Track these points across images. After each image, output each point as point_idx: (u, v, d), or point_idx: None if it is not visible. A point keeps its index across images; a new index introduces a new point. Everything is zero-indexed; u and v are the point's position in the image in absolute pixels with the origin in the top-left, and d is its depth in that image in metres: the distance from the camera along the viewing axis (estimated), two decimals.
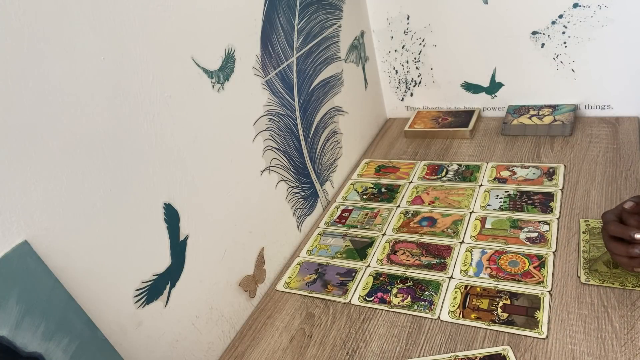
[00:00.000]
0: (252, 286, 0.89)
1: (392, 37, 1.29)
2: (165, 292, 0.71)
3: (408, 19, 1.25)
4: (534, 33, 1.14)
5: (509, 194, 1.00)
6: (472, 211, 0.98)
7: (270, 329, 0.84)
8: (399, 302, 0.83)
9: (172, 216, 0.71)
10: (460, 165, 1.13)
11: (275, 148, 0.93)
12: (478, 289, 0.81)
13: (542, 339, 0.71)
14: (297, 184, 1.01)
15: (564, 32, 1.11)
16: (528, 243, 0.87)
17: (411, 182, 1.12)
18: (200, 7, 0.73)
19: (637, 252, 0.66)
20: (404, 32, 1.27)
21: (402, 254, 0.92)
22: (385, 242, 0.96)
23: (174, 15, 0.69)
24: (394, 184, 1.12)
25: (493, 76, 1.24)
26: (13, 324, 0.50)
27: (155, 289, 0.69)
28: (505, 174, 1.06)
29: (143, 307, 0.67)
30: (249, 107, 0.86)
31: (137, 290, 0.66)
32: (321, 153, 1.09)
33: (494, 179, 1.06)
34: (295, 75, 0.98)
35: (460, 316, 0.78)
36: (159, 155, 0.68)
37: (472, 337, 0.74)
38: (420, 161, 1.18)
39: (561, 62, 1.15)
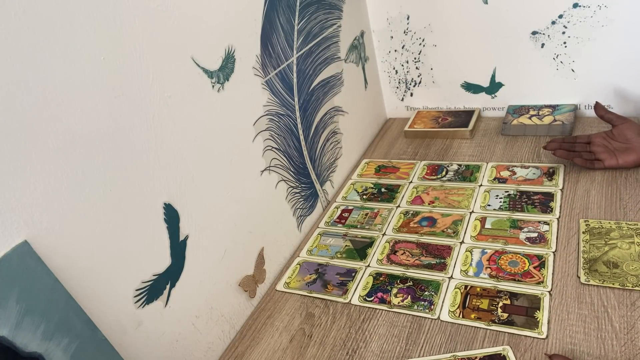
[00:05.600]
0: (252, 286, 0.89)
1: (392, 37, 1.29)
2: (165, 292, 0.71)
3: (408, 19, 1.25)
4: (534, 33, 1.14)
5: (509, 194, 1.00)
6: (472, 211, 0.98)
7: (270, 329, 0.84)
8: (399, 302, 0.83)
9: (172, 216, 0.71)
10: (460, 165, 1.13)
11: (275, 148, 0.93)
12: (478, 289, 0.81)
13: (542, 339, 0.71)
14: (297, 184, 1.01)
15: (564, 32, 1.11)
16: (528, 243, 0.87)
17: (411, 182, 1.12)
18: (200, 7, 0.73)
19: None
20: (404, 32, 1.27)
21: (402, 254, 0.92)
22: (385, 242, 0.96)
23: (174, 15, 0.69)
24: (394, 184, 1.12)
25: (493, 76, 1.24)
26: (13, 324, 0.50)
27: (155, 289, 0.69)
28: (505, 174, 1.06)
29: (143, 307, 0.67)
30: (249, 107, 0.86)
31: (137, 290, 0.66)
32: (321, 153, 1.09)
33: (494, 179, 1.06)
34: (295, 75, 0.98)
35: (460, 316, 0.78)
36: (159, 155, 0.68)
37: (472, 337, 0.74)
38: (420, 161, 1.18)
39: (561, 62, 1.15)
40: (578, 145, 1.01)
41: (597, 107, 1.01)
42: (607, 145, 0.98)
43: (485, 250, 0.88)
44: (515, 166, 1.08)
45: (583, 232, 0.86)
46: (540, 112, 1.20)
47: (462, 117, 1.27)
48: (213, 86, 0.77)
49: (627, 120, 0.98)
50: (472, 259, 0.87)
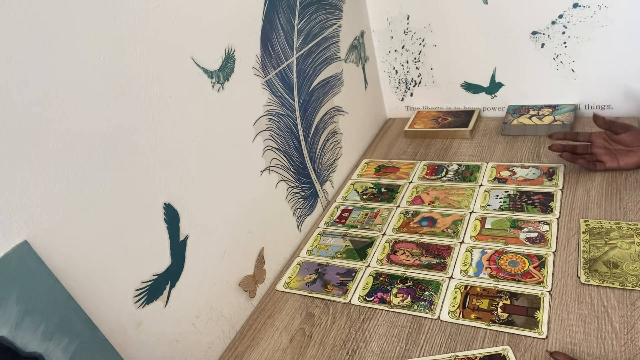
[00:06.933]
0: (252, 286, 0.89)
1: (392, 37, 1.29)
2: (165, 292, 0.71)
3: (408, 19, 1.25)
4: (534, 33, 1.14)
5: (509, 194, 1.00)
6: (472, 211, 0.98)
7: (270, 329, 0.84)
8: (399, 302, 0.83)
9: (172, 216, 0.71)
10: (460, 165, 1.13)
11: (275, 148, 0.93)
12: (478, 289, 0.81)
13: (542, 339, 0.71)
14: (297, 184, 1.01)
15: (564, 32, 1.11)
16: (528, 243, 0.87)
17: (411, 182, 1.12)
18: (200, 7, 0.73)
19: None
20: (404, 32, 1.27)
21: (402, 254, 0.92)
22: (385, 242, 0.96)
23: (174, 15, 0.69)
24: (394, 184, 1.12)
25: (493, 76, 1.24)
26: (13, 324, 0.50)
27: (155, 289, 0.69)
28: (505, 174, 1.06)
29: (143, 307, 0.67)
30: (249, 107, 0.86)
31: (137, 290, 0.66)
32: (321, 153, 1.09)
33: (494, 179, 1.06)
34: (295, 75, 0.98)
35: (460, 316, 0.78)
36: (159, 155, 0.68)
37: (472, 337, 0.74)
38: (420, 161, 1.18)
39: (561, 62, 1.15)
40: (580, 147, 1.01)
41: (596, 118, 0.99)
42: (608, 147, 0.98)
43: (485, 250, 0.88)
44: (515, 166, 1.08)
45: (583, 232, 0.86)
46: (540, 112, 1.20)
47: (462, 117, 1.27)
48: (213, 86, 0.77)
49: (629, 128, 0.96)
50: (472, 259, 0.87)
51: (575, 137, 1.02)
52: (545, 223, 0.90)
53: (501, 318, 0.76)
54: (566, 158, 1.00)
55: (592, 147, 0.99)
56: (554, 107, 1.20)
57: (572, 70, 1.15)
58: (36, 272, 0.53)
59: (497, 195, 1.00)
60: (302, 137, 1.01)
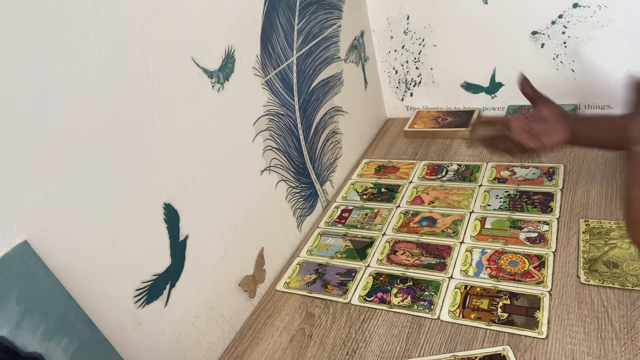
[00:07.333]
0: (252, 286, 0.89)
1: (392, 37, 1.29)
2: (165, 292, 0.71)
3: (408, 19, 1.25)
4: (534, 33, 1.14)
5: (509, 194, 1.00)
6: (472, 211, 0.98)
7: (270, 329, 0.84)
8: (399, 302, 0.83)
9: (172, 216, 0.71)
10: (460, 165, 1.13)
11: (275, 148, 0.93)
12: (478, 289, 0.81)
13: (542, 339, 0.71)
14: (297, 184, 1.01)
15: (563, 32, 1.11)
16: (528, 243, 0.87)
17: (411, 182, 1.12)
18: (200, 7, 0.73)
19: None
20: (404, 32, 1.27)
21: (402, 254, 0.92)
22: (385, 242, 0.96)
23: (174, 15, 0.69)
24: (394, 184, 1.12)
25: (493, 76, 1.24)
26: (13, 324, 0.50)
27: (155, 289, 0.69)
28: (505, 174, 1.06)
29: (143, 307, 0.67)
30: (249, 107, 0.86)
31: (137, 290, 0.66)
32: (321, 153, 1.09)
33: (494, 179, 1.06)
34: (295, 75, 0.98)
35: (460, 316, 0.78)
36: (159, 155, 0.68)
37: (472, 337, 0.74)
38: (420, 161, 1.18)
39: (561, 62, 1.15)
40: (500, 136, 0.89)
41: (524, 82, 0.90)
42: (529, 130, 0.86)
43: (485, 250, 0.88)
44: (515, 166, 1.08)
45: (583, 232, 0.86)
46: None
47: (462, 117, 1.27)
48: (213, 86, 0.77)
49: (548, 102, 0.88)
50: (472, 259, 0.87)
51: (492, 123, 0.92)
52: (545, 223, 0.91)
53: (501, 318, 0.76)
54: (489, 150, 0.92)
55: (512, 132, 0.86)
56: None
57: (572, 70, 1.15)
58: (36, 272, 0.53)
59: (497, 195, 1.00)
60: (302, 137, 1.01)
